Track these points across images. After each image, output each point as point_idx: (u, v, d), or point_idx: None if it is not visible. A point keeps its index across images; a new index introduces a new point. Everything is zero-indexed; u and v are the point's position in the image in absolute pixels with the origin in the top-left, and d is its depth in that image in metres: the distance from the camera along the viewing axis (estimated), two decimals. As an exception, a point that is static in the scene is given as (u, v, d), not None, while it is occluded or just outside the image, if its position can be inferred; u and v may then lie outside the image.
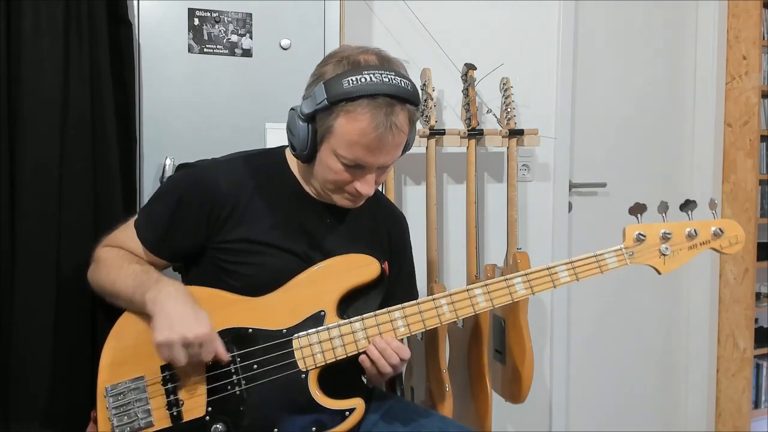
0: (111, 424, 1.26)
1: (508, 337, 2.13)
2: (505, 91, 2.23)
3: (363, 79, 1.24)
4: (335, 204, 1.40)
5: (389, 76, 1.26)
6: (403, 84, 1.27)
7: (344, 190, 1.36)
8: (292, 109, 1.34)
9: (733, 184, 2.92)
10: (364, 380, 1.47)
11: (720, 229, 1.43)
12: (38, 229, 1.54)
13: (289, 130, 1.35)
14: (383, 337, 1.31)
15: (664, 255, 1.40)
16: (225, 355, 1.27)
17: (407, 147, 1.37)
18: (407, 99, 1.28)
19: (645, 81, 2.85)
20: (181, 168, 1.45)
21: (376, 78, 1.24)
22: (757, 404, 3.05)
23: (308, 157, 1.33)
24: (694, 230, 1.41)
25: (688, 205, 1.41)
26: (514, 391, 2.13)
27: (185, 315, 1.23)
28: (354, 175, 1.32)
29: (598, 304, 2.80)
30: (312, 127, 1.29)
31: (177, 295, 1.26)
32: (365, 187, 1.33)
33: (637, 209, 1.40)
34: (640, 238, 1.39)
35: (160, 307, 1.24)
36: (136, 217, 1.41)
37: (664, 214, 1.40)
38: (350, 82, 1.24)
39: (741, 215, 2.89)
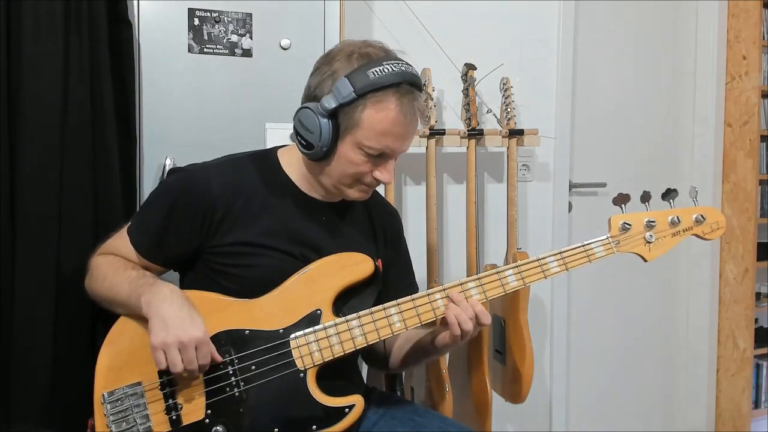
0: (110, 431, 1.26)
1: (508, 337, 2.13)
2: (505, 91, 2.23)
3: (386, 70, 1.26)
4: (344, 200, 1.41)
5: (404, 65, 1.30)
6: (415, 71, 1.32)
7: (361, 183, 1.36)
8: (304, 107, 1.32)
9: (733, 184, 2.92)
10: (364, 378, 1.47)
11: (702, 215, 1.45)
12: (38, 230, 1.53)
13: (305, 129, 1.31)
14: (469, 301, 1.33)
15: (649, 243, 1.43)
16: (219, 357, 1.27)
17: None
18: (420, 86, 1.33)
19: (645, 81, 2.84)
20: (172, 173, 1.43)
21: (396, 68, 1.28)
22: (757, 404, 3.05)
23: (326, 154, 1.31)
24: (677, 217, 1.44)
25: (669, 194, 1.45)
26: (514, 391, 2.13)
27: (180, 318, 1.23)
28: (374, 165, 1.33)
29: (598, 304, 2.80)
30: (334, 123, 1.29)
31: (172, 298, 1.25)
32: (386, 175, 1.34)
33: (621, 199, 1.43)
34: (625, 227, 1.42)
35: (155, 310, 1.23)
36: (129, 223, 1.40)
37: (647, 204, 1.43)
38: (375, 73, 1.26)
39: (741, 215, 2.89)
